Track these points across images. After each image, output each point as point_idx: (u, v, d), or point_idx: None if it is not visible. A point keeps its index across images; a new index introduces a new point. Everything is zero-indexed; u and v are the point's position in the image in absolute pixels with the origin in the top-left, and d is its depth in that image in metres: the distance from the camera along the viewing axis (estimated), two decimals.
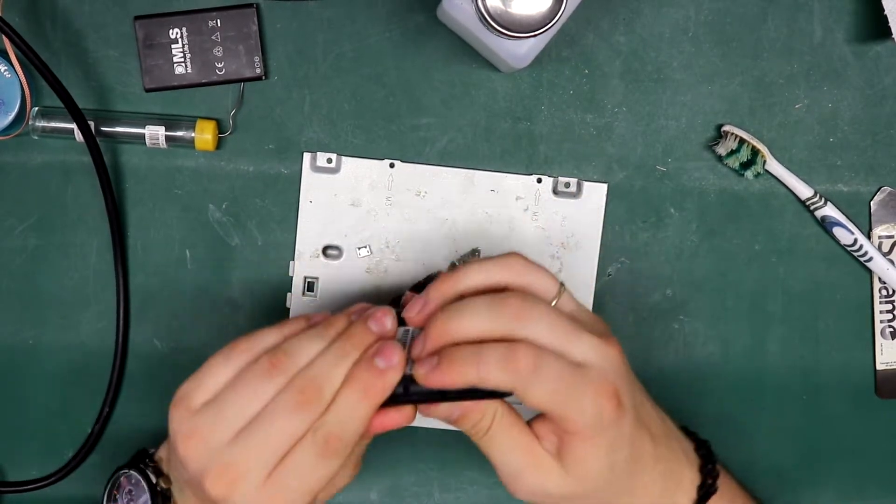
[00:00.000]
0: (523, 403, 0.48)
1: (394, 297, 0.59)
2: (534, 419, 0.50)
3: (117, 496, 0.54)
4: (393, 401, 0.48)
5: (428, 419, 0.59)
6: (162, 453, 0.55)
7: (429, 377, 0.48)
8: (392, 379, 0.48)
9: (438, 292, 0.50)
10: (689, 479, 0.53)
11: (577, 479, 0.49)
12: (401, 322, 0.51)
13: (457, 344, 0.48)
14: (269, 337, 0.50)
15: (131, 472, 0.54)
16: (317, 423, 0.47)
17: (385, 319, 0.49)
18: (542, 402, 0.47)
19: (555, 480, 0.49)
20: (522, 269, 0.50)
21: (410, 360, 0.49)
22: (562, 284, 0.51)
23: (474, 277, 0.50)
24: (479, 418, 0.50)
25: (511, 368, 0.47)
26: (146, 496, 0.53)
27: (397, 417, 0.49)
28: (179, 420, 0.48)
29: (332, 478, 0.48)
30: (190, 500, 0.52)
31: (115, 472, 0.55)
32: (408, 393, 0.49)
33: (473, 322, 0.48)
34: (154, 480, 0.53)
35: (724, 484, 0.54)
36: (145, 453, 0.55)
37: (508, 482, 0.51)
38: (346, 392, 0.47)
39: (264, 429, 0.47)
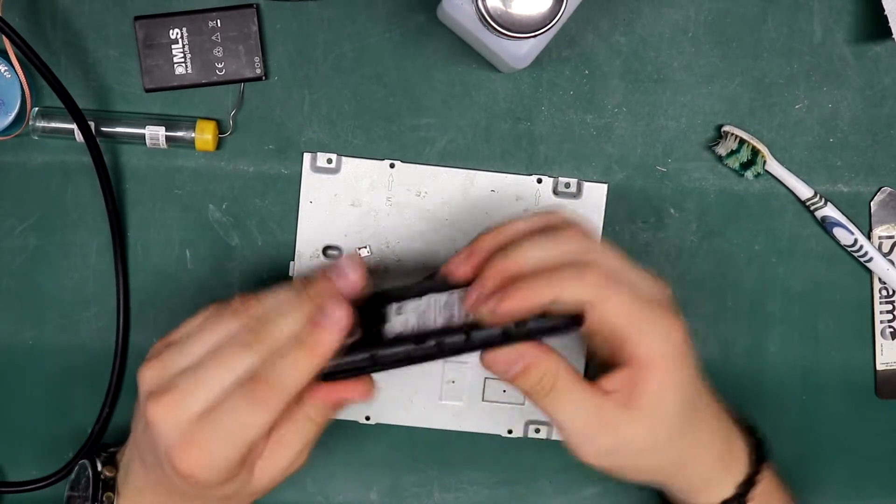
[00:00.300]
0: (598, 324, 0.47)
1: (429, 274, 0.56)
2: (598, 378, 0.49)
3: (77, 486, 0.56)
4: (362, 369, 0.47)
5: (428, 419, 0.60)
6: (124, 447, 0.56)
7: (500, 306, 0.46)
8: (329, 334, 0.46)
9: (484, 242, 0.49)
10: (743, 457, 0.53)
11: (650, 426, 0.48)
12: (441, 288, 0.49)
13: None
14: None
15: (85, 461, 0.56)
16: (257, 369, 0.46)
17: (348, 269, 0.48)
18: (618, 318, 0.47)
19: (627, 433, 0.48)
20: (565, 221, 0.50)
21: (463, 315, 0.47)
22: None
23: (519, 227, 0.49)
24: (542, 375, 0.48)
25: (587, 281, 0.46)
26: (91, 485, 0.54)
27: (352, 390, 0.48)
28: (153, 350, 0.49)
29: (258, 431, 0.46)
30: (135, 481, 0.52)
31: (76, 462, 0.57)
32: (376, 359, 0.47)
33: (536, 253, 0.47)
34: (99, 468, 0.54)
35: (768, 477, 0.54)
36: (105, 446, 0.58)
37: (577, 444, 0.49)
38: (286, 342, 0.46)
39: (209, 363, 0.47)
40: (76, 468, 0.57)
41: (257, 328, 0.47)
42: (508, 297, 0.46)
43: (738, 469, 0.53)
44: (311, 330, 0.46)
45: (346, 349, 0.48)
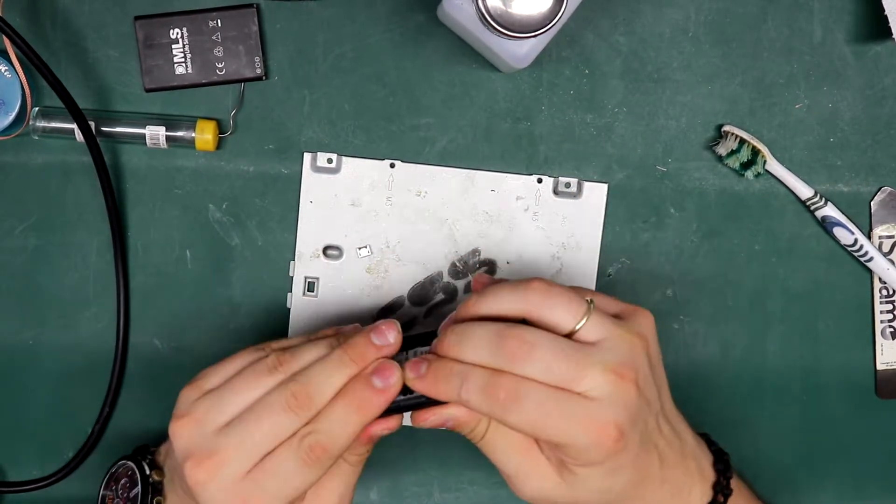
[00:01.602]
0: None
1: (395, 298, 0.59)
2: None
3: (114, 486, 0.55)
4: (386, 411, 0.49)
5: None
6: (162, 450, 0.56)
7: (414, 382, 0.49)
8: (386, 398, 0.48)
9: (452, 322, 0.50)
10: (698, 497, 0.53)
11: (574, 492, 0.49)
12: (410, 344, 0.51)
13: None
14: (294, 340, 0.51)
15: (129, 462, 0.55)
16: (305, 430, 0.47)
17: (388, 333, 0.49)
18: (524, 428, 0.47)
19: (553, 488, 0.49)
20: (543, 297, 0.48)
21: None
22: (591, 303, 0.49)
23: (492, 306, 0.49)
24: (474, 426, 0.50)
25: (490, 394, 0.47)
26: (139, 488, 0.54)
27: (385, 425, 0.50)
28: (183, 400, 0.49)
29: (309, 487, 0.48)
30: (179, 495, 0.52)
31: (115, 463, 0.57)
32: (397, 402, 0.49)
33: (474, 353, 0.48)
34: (147, 472, 0.54)
35: (738, 500, 0.54)
36: (146, 448, 0.57)
37: (510, 483, 0.51)
38: (338, 404, 0.48)
39: (252, 423, 0.47)
40: (114, 468, 0.57)
41: (298, 391, 0.47)
42: (423, 379, 0.49)
43: (703, 487, 0.53)
44: (369, 394, 0.48)
45: None
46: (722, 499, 0.53)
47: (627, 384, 0.47)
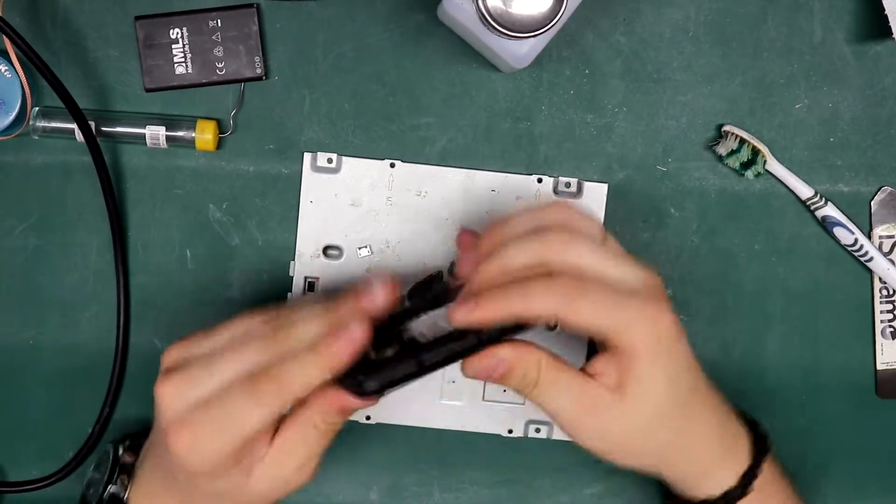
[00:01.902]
0: (573, 329, 0.48)
1: (421, 281, 0.57)
2: (589, 361, 0.50)
3: (100, 468, 0.57)
4: (410, 376, 0.48)
5: (428, 419, 0.59)
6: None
7: (472, 313, 0.47)
8: (342, 346, 0.46)
9: (482, 243, 0.50)
10: (743, 452, 0.53)
11: (638, 408, 0.49)
12: (434, 303, 0.50)
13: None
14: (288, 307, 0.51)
15: (109, 445, 0.57)
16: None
17: (376, 291, 0.48)
18: (592, 320, 0.47)
19: (615, 416, 0.49)
20: (567, 214, 0.51)
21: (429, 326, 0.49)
22: (603, 230, 0.51)
23: (521, 223, 0.50)
24: (524, 372, 0.49)
25: (555, 291, 0.47)
26: (109, 466, 0.56)
27: (362, 403, 0.48)
28: (189, 335, 0.50)
29: (253, 427, 0.46)
30: (149, 472, 0.53)
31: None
32: (423, 365, 0.48)
33: (518, 254, 0.48)
34: (120, 453, 0.56)
35: (769, 471, 0.54)
36: (131, 434, 0.59)
37: (569, 430, 0.50)
38: (301, 347, 0.47)
39: (225, 353, 0.47)
40: (102, 452, 0.58)
41: (277, 327, 0.48)
42: (480, 307, 0.47)
43: (738, 459, 0.53)
44: (326, 339, 0.47)
45: (385, 362, 0.48)
46: (760, 460, 0.53)
47: (658, 282, 0.50)
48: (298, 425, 0.48)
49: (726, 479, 0.53)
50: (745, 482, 0.53)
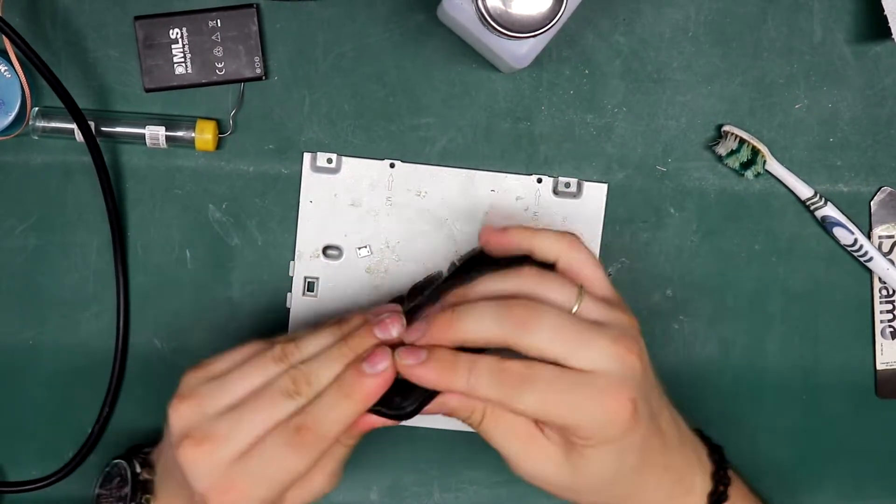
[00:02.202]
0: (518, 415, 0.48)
1: (396, 297, 0.59)
2: None
3: (108, 485, 0.56)
4: (390, 412, 0.49)
5: (428, 419, 0.59)
6: (156, 449, 0.56)
7: (414, 370, 0.47)
8: (374, 384, 0.47)
9: (447, 303, 0.50)
10: (699, 486, 0.52)
11: (578, 476, 0.49)
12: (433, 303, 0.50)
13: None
14: (301, 333, 0.51)
15: (121, 461, 0.56)
16: (296, 414, 0.47)
17: (391, 327, 0.49)
18: (537, 411, 0.47)
19: (554, 471, 0.49)
20: (536, 279, 0.49)
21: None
22: (581, 288, 0.49)
23: (487, 288, 0.49)
24: (469, 413, 0.49)
25: (501, 379, 0.46)
26: (129, 487, 0.54)
27: (383, 422, 0.49)
28: (186, 382, 0.49)
29: (298, 474, 0.47)
30: (170, 491, 0.52)
31: (108, 462, 0.57)
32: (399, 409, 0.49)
33: (478, 325, 0.47)
34: (138, 470, 0.55)
35: (736, 490, 0.54)
36: (140, 447, 0.57)
37: (510, 465, 0.50)
38: (330, 389, 0.47)
39: (250, 406, 0.47)
40: (108, 468, 0.57)
41: (298, 376, 0.48)
42: (425, 367, 0.47)
43: (694, 501, 0.52)
44: (357, 379, 0.47)
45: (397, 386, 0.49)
46: (722, 488, 0.52)
47: (633, 357, 0.47)
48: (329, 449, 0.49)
49: None
50: None
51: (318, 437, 0.47)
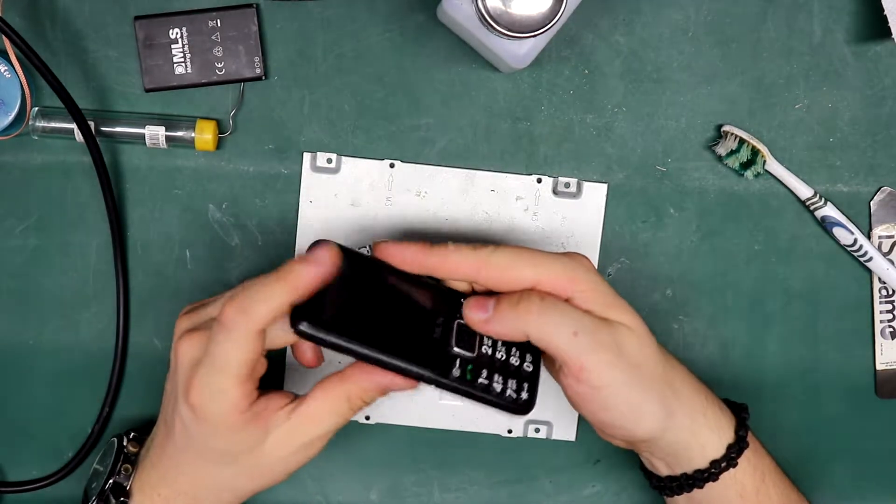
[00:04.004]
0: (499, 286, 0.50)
1: None
2: None
3: (103, 461, 0.58)
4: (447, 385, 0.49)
5: (428, 419, 0.60)
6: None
7: (387, 248, 0.49)
8: (313, 268, 0.47)
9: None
10: (727, 420, 0.54)
11: (637, 337, 0.50)
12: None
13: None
14: None
15: (115, 438, 0.58)
16: None
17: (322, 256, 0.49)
18: (514, 268, 0.49)
19: (625, 334, 0.50)
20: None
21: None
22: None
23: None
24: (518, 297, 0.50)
25: (477, 246, 0.50)
26: (112, 457, 0.57)
27: (401, 382, 0.49)
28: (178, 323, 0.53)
29: (234, 357, 0.47)
30: (156, 454, 0.54)
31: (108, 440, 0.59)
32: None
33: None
34: (124, 442, 0.57)
35: (754, 443, 0.55)
36: (134, 430, 0.59)
37: (574, 357, 0.50)
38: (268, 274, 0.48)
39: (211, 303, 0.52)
40: (107, 444, 0.59)
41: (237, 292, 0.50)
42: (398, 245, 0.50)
43: (724, 430, 0.53)
44: (290, 264, 0.47)
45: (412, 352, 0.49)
46: (742, 432, 0.53)
47: (583, 259, 0.52)
48: (331, 393, 0.49)
49: (714, 449, 0.53)
50: (733, 453, 0.53)
51: (239, 312, 0.47)
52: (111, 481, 0.55)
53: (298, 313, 0.47)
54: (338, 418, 0.50)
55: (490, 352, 0.50)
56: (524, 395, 0.50)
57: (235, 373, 0.47)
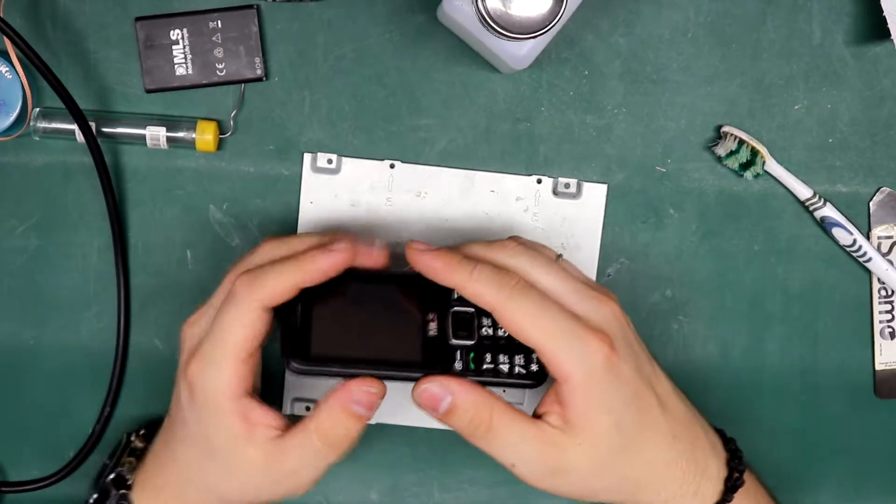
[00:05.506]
0: (509, 330, 0.49)
1: None
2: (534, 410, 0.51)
3: (114, 455, 0.58)
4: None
5: (428, 419, 0.59)
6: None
7: (422, 255, 0.49)
8: (323, 257, 0.49)
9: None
10: (714, 469, 0.52)
11: (588, 445, 0.48)
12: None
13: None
14: None
15: (124, 433, 0.59)
16: None
17: (376, 255, 0.51)
18: (523, 320, 0.48)
19: (572, 455, 0.48)
20: (520, 249, 0.52)
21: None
22: (559, 256, 0.53)
23: (477, 253, 0.51)
24: (473, 414, 0.49)
25: (500, 281, 0.48)
26: (119, 450, 0.58)
27: (365, 386, 0.50)
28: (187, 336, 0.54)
29: (238, 331, 0.48)
30: (160, 447, 0.55)
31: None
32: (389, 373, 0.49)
33: (479, 283, 0.49)
34: (132, 437, 0.58)
35: (749, 482, 0.54)
36: (145, 425, 0.60)
37: (527, 474, 0.50)
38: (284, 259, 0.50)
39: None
40: (116, 441, 0.59)
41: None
42: (429, 255, 0.49)
43: (710, 486, 0.52)
44: (310, 252, 0.50)
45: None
46: (737, 474, 0.52)
47: (609, 306, 0.50)
48: (333, 407, 0.50)
49: (705, 498, 0.52)
50: (724, 499, 0.52)
51: (246, 287, 0.48)
52: (112, 474, 0.55)
53: (289, 351, 0.49)
54: (348, 428, 0.50)
55: (490, 332, 0.51)
56: (533, 367, 0.50)
57: (233, 349, 0.48)
